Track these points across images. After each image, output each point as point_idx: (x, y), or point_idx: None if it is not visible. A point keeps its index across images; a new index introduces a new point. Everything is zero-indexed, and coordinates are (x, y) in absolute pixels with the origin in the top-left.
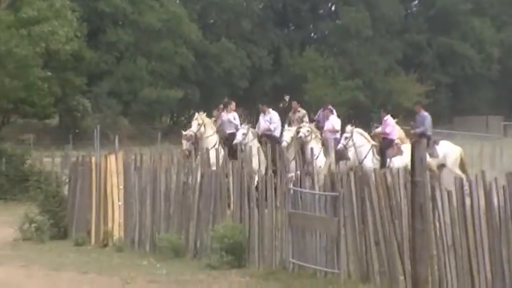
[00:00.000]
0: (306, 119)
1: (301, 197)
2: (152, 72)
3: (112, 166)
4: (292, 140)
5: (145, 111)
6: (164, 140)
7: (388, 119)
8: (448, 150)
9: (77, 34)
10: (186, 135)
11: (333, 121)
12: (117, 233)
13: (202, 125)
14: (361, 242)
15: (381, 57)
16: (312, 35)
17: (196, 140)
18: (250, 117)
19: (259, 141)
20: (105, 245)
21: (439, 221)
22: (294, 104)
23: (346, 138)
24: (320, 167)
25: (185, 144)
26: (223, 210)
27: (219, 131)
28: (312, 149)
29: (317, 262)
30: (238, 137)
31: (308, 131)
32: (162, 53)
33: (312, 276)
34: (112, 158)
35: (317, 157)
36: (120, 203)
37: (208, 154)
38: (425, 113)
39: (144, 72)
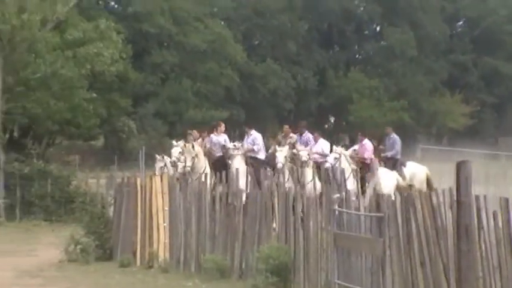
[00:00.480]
0: (298, 145)
1: (346, 218)
2: (197, 93)
3: (157, 187)
4: (286, 161)
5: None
6: None
7: (367, 143)
8: (415, 171)
9: (122, 55)
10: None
11: (322, 145)
12: (163, 254)
13: (195, 157)
14: (407, 262)
15: (425, 77)
16: (357, 55)
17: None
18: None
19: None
20: (151, 266)
21: (485, 242)
22: (286, 128)
23: (335, 158)
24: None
25: (173, 171)
26: (268, 231)
27: (209, 153)
28: (343, 170)
29: (362, 283)
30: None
31: (335, 158)
32: (207, 74)
33: None
34: (157, 178)
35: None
36: (165, 224)
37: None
38: (396, 136)
39: (190, 93)
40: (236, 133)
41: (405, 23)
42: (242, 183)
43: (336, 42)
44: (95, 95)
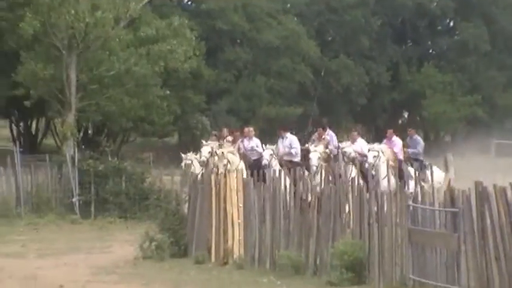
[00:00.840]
0: (330, 146)
1: (420, 213)
2: (271, 89)
3: (232, 184)
4: (319, 163)
5: (264, 128)
6: None
7: (396, 139)
8: (437, 176)
9: (196, 52)
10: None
11: (361, 144)
12: (237, 250)
13: (228, 163)
14: (481, 257)
15: (499, 72)
16: (430, 51)
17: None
18: (368, 135)
19: (280, 164)
20: (225, 263)
21: None
22: (320, 131)
23: (374, 157)
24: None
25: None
26: (343, 227)
27: (244, 157)
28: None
29: (437, 278)
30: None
31: (374, 156)
32: (280, 71)
33: None
34: (231, 175)
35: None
36: (239, 221)
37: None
38: (419, 138)
39: (263, 89)
40: (310, 130)
41: (478, 17)
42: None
43: (409, 37)
44: (168, 92)
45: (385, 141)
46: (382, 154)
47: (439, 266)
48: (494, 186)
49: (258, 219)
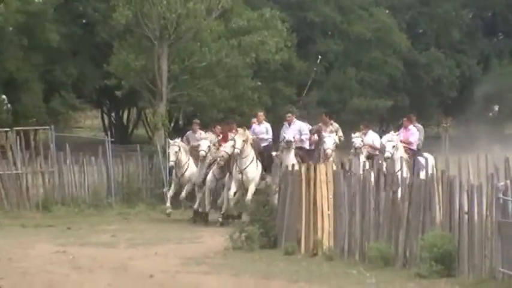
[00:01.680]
0: (340, 132)
1: (511, 206)
2: (361, 81)
3: (321, 175)
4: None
5: (354, 120)
6: None
7: (412, 128)
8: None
9: (287, 44)
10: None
11: (373, 137)
12: (327, 242)
13: (246, 142)
14: None
15: None
16: None
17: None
18: (459, 126)
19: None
20: (315, 254)
21: None
22: (323, 116)
23: (393, 147)
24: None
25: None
26: (432, 219)
27: (254, 143)
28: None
29: None
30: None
31: (393, 146)
32: (371, 63)
33: None
34: (321, 167)
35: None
36: (329, 212)
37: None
38: (420, 126)
39: (354, 81)
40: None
41: None
42: None
43: (500, 30)
44: (259, 83)
45: (402, 130)
46: (399, 145)
47: None
48: None
49: (347, 210)
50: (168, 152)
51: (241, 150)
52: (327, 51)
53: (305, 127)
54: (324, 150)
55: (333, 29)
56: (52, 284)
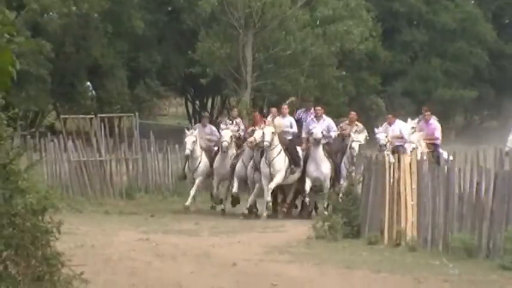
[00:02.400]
0: (365, 133)
1: None
2: (446, 72)
3: (406, 165)
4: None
5: (439, 110)
6: (457, 140)
7: (434, 121)
8: None
9: (372, 34)
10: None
11: (400, 126)
12: (410, 232)
13: (275, 133)
14: None
15: None
16: None
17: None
18: None
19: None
20: (398, 244)
21: None
22: (352, 114)
23: (414, 148)
24: None
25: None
26: None
27: (281, 137)
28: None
29: None
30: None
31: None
32: (456, 53)
33: None
34: (406, 158)
35: None
36: (413, 203)
37: None
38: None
39: (438, 72)
40: (484, 113)
41: None
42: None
43: None
44: (344, 73)
45: (422, 123)
46: (419, 146)
47: None
48: None
49: (431, 201)
50: (185, 142)
51: (271, 142)
52: (412, 41)
53: (333, 123)
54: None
55: (418, 19)
56: (134, 271)
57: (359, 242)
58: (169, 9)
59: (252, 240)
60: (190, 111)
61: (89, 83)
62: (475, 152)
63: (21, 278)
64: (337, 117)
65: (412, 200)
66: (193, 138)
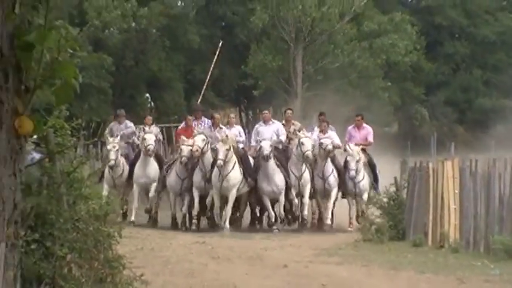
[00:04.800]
0: (304, 131)
1: None
2: (487, 82)
3: (448, 171)
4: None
5: (480, 119)
6: (498, 148)
7: (367, 126)
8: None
9: (416, 47)
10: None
11: (333, 135)
12: (453, 234)
13: (229, 149)
14: None
15: None
16: None
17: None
18: None
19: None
20: (441, 246)
21: None
22: (288, 115)
23: (357, 161)
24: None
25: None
26: None
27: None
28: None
29: None
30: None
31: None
32: (496, 64)
33: None
34: (448, 164)
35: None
36: (455, 207)
37: None
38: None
39: (479, 82)
40: None
41: None
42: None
43: None
44: (389, 83)
45: (353, 128)
46: (361, 155)
47: None
48: None
49: (473, 205)
50: (109, 151)
51: (225, 161)
52: (454, 53)
53: (282, 127)
54: (303, 153)
55: (459, 32)
56: (192, 273)
57: (404, 244)
58: (223, 24)
59: (302, 243)
60: (244, 121)
61: (147, 95)
62: None
63: (84, 280)
64: (380, 126)
65: (454, 204)
66: (117, 146)
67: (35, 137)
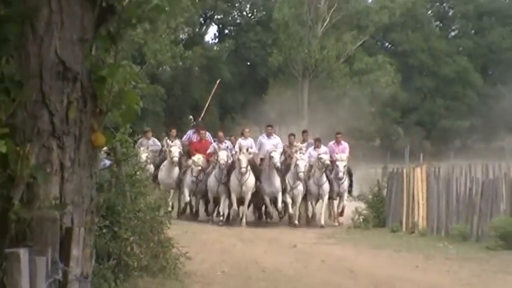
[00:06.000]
0: (303, 151)
1: None
2: (447, 108)
3: (418, 176)
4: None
5: (442, 136)
6: (456, 158)
7: (344, 143)
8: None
9: (394, 81)
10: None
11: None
12: (421, 223)
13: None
14: None
15: None
16: None
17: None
18: None
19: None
20: (413, 232)
21: None
22: (291, 139)
23: (344, 166)
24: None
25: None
26: (498, 208)
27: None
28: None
29: None
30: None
31: (344, 166)
32: (454, 95)
33: None
34: (418, 170)
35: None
36: (423, 202)
37: None
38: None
39: (441, 108)
40: (474, 137)
41: None
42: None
43: None
44: (373, 109)
45: (333, 144)
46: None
47: None
48: None
49: (436, 201)
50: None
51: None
52: (423, 86)
53: (280, 141)
54: (297, 173)
55: (426, 70)
56: (224, 251)
57: (384, 230)
58: (248, 63)
59: (308, 229)
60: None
61: (191, 116)
62: (467, 166)
63: (142, 256)
64: (366, 141)
65: (422, 200)
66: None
67: (106, 148)
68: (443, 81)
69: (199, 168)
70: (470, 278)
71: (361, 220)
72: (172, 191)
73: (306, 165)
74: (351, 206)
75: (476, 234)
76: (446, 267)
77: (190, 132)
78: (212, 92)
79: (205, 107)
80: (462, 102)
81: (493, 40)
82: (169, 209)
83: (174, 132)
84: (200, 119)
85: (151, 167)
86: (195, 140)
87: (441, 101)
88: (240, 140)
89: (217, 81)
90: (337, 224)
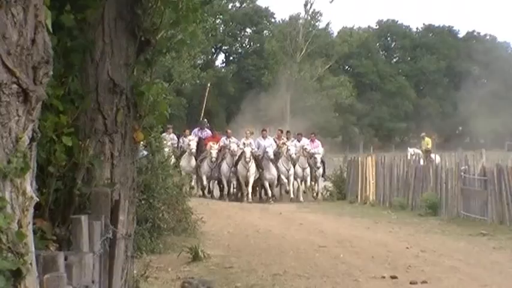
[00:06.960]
0: (290, 142)
1: (467, 180)
2: (390, 114)
3: (369, 162)
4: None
5: (387, 134)
6: (396, 150)
7: (317, 141)
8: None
9: (352, 94)
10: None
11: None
12: (372, 196)
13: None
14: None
15: None
16: None
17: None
18: None
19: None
20: (365, 203)
21: None
22: (278, 133)
23: (322, 161)
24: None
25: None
26: (427, 185)
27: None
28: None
29: (476, 212)
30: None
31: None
32: (396, 104)
33: None
34: (369, 158)
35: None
36: (373, 181)
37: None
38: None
39: (386, 114)
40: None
41: None
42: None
43: None
44: (337, 114)
45: (309, 142)
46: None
47: (476, 206)
48: None
49: (382, 181)
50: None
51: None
52: (372, 98)
53: (273, 141)
54: (290, 154)
55: (375, 86)
56: (229, 216)
57: (344, 202)
58: (247, 81)
59: (290, 203)
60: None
61: (205, 120)
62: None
63: (170, 220)
64: (332, 137)
65: (372, 180)
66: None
67: (143, 142)
68: (387, 95)
69: (216, 151)
70: (407, 237)
71: (328, 194)
72: (193, 176)
73: (295, 150)
74: (321, 185)
75: (411, 204)
76: (389, 229)
77: (196, 129)
78: (206, 95)
79: (203, 109)
80: (401, 110)
81: (424, 65)
82: (191, 188)
83: (187, 132)
84: (200, 119)
85: (172, 157)
86: (201, 135)
87: (386, 109)
88: (258, 140)
89: (208, 85)
90: (313, 199)
